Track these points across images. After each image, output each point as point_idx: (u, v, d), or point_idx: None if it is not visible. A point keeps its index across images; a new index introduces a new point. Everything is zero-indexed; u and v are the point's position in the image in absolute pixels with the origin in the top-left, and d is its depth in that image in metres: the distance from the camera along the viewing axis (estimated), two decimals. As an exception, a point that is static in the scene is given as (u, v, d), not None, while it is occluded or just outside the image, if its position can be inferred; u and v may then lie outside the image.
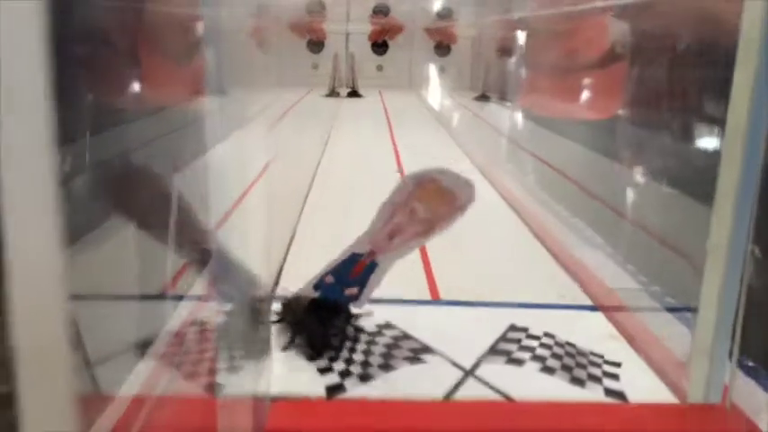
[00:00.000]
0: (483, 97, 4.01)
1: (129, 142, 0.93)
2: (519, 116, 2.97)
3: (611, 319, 0.91)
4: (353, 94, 4.24)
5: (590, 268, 1.09)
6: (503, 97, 3.71)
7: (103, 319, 0.73)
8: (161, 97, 1.18)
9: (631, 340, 0.84)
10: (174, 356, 0.76)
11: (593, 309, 0.95)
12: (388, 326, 0.85)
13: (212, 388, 0.69)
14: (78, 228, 0.42)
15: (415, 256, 1.04)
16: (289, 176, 1.65)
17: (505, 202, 1.55)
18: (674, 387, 0.74)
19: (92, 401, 0.67)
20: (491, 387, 0.72)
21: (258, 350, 0.72)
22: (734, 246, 0.66)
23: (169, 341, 0.77)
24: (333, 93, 4.19)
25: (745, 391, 0.72)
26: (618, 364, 0.78)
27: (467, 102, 3.95)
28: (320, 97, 4.03)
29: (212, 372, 0.70)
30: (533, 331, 0.85)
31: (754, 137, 0.64)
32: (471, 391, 0.71)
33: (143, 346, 0.76)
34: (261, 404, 0.67)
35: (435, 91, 4.63)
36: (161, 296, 0.87)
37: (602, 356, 0.79)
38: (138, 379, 0.73)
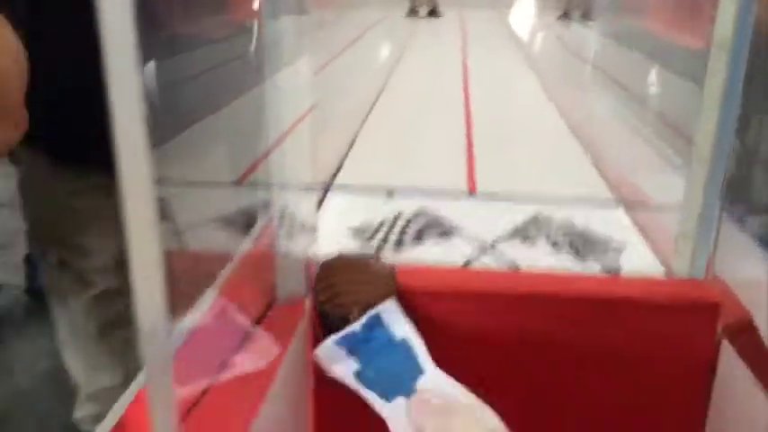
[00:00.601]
0: (564, 16, 3.97)
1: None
2: (599, 37, 2.94)
3: (630, 214, 1.01)
4: (432, 13, 4.28)
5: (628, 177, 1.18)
6: (585, 16, 3.66)
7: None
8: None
9: (642, 230, 0.95)
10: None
11: (616, 205, 1.06)
12: (424, 211, 0.98)
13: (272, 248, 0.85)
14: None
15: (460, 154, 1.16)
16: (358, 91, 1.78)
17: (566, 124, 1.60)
18: (667, 267, 0.85)
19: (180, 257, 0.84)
20: (504, 259, 0.85)
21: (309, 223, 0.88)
22: (719, 138, 0.76)
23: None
24: (413, 12, 4.24)
25: (734, 267, 0.82)
26: (622, 247, 0.89)
27: (550, 21, 3.92)
28: (399, 18, 4.09)
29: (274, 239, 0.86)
30: (553, 220, 0.97)
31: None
32: (487, 262, 0.85)
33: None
34: (310, 262, 0.83)
35: (518, 9, 4.59)
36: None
37: (610, 240, 0.91)
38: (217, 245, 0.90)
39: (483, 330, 0.75)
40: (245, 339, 0.74)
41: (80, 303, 1.10)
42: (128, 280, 0.40)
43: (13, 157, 1.09)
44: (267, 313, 0.82)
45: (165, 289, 0.41)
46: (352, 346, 0.67)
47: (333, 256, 0.76)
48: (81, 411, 1.20)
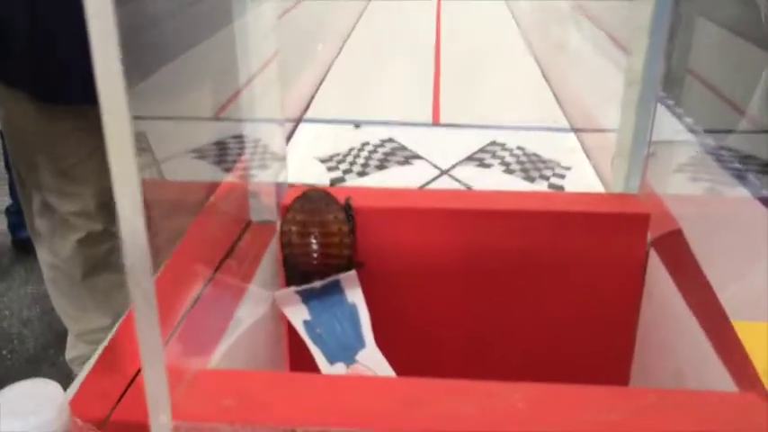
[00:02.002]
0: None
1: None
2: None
3: (580, 139, 1.10)
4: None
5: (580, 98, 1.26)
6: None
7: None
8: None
9: (589, 153, 1.03)
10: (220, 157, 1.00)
11: (569, 131, 1.14)
12: (390, 140, 1.07)
13: (245, 178, 0.93)
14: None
15: (427, 88, 1.23)
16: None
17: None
18: (606, 185, 0.94)
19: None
20: (459, 181, 0.94)
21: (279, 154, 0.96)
22: (649, 60, 0.84)
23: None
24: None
25: (664, 183, 0.91)
26: (568, 168, 0.98)
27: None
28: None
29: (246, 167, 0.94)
30: (509, 145, 1.05)
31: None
32: (443, 185, 0.93)
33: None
34: (280, 188, 0.91)
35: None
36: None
37: (558, 163, 1.00)
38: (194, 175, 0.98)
39: (435, 245, 0.84)
40: (223, 257, 0.82)
41: (66, 247, 1.14)
42: (112, 223, 0.43)
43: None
44: (243, 234, 0.90)
45: (146, 216, 0.43)
46: (308, 298, 0.76)
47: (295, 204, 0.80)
48: (72, 353, 1.25)
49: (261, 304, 0.81)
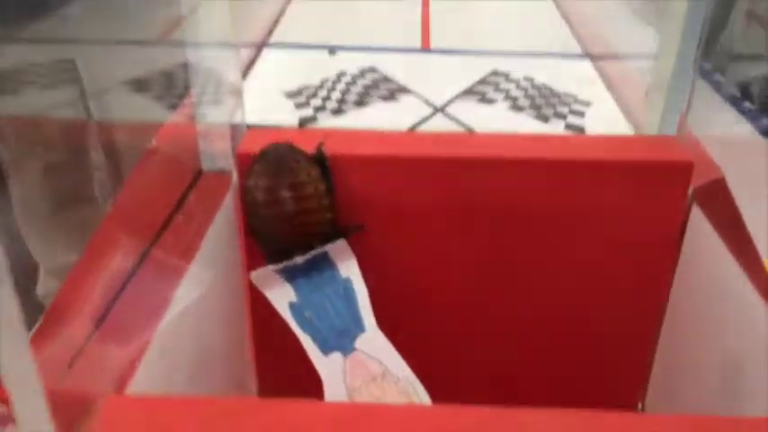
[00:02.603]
0: None
1: None
2: None
3: (598, 68, 0.93)
4: None
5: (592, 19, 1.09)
6: None
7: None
8: None
9: (610, 85, 0.87)
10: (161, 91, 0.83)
11: (583, 57, 0.97)
12: (371, 70, 0.89)
13: (193, 117, 0.76)
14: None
15: (415, 6, 1.05)
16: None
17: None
18: (636, 124, 0.78)
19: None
20: (457, 121, 0.77)
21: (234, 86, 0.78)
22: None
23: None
24: None
25: (707, 124, 0.75)
26: (587, 104, 0.81)
27: None
28: None
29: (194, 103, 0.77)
30: (514, 75, 0.88)
31: None
32: (437, 125, 0.76)
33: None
34: (236, 131, 0.74)
35: None
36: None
37: (574, 97, 0.83)
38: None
39: (429, 201, 0.69)
40: (167, 217, 0.67)
41: (32, 178, 1.06)
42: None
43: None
44: (192, 187, 0.74)
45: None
46: (292, 277, 0.63)
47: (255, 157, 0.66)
48: (42, 288, 1.18)
49: (214, 278, 0.65)
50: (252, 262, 0.71)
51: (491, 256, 0.72)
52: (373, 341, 0.61)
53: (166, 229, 0.65)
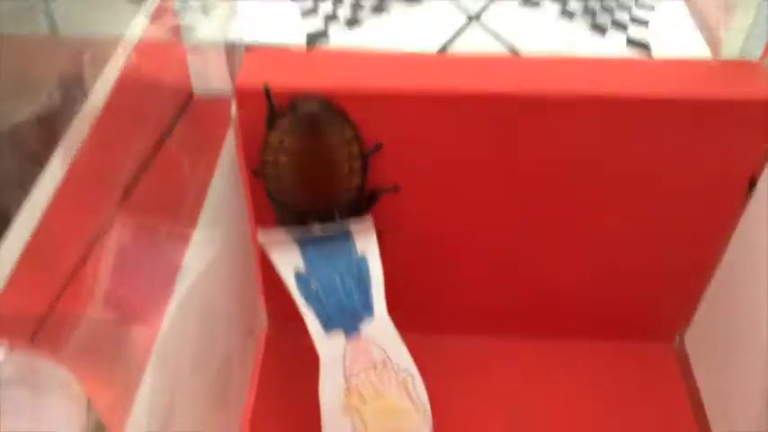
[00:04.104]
0: None
1: None
2: None
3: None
4: None
5: None
6: None
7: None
8: None
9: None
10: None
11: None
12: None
13: (179, 32, 0.64)
14: None
15: None
16: None
17: None
18: (712, 42, 0.65)
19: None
20: (496, 36, 0.65)
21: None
22: None
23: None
24: None
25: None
26: (650, 7, 0.69)
27: None
28: None
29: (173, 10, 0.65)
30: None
31: None
32: (472, 41, 0.65)
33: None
34: (233, 51, 0.63)
35: None
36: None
37: (639, 2, 0.70)
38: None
39: (458, 142, 0.59)
40: (152, 149, 0.58)
41: None
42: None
43: None
44: (182, 115, 0.65)
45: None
46: (303, 243, 0.57)
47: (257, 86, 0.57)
48: None
49: (222, 238, 0.58)
50: (258, 214, 0.63)
51: (526, 208, 0.64)
52: (380, 328, 0.58)
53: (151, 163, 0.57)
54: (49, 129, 0.69)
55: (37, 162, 0.52)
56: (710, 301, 0.69)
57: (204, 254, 0.54)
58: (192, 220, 0.54)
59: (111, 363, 0.44)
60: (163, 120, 0.58)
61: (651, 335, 0.74)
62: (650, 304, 0.71)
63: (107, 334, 0.45)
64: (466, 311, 0.72)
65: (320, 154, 0.54)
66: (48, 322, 0.44)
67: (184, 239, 0.53)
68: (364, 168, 0.56)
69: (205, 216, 0.55)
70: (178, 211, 0.54)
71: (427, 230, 0.64)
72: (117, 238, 0.49)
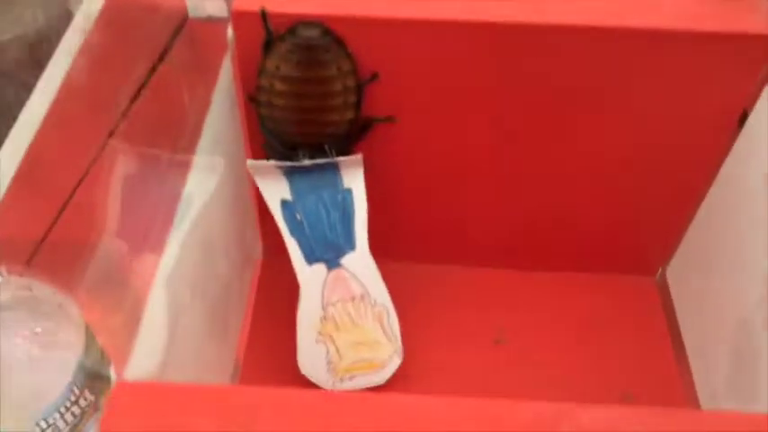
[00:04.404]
0: None
1: None
2: None
3: None
4: None
5: None
6: None
7: None
8: None
9: None
10: None
11: None
12: None
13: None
14: None
15: None
16: None
17: None
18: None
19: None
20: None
21: None
22: None
23: None
24: None
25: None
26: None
27: None
28: None
29: None
30: None
31: None
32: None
33: None
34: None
35: None
36: None
37: None
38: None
39: (455, 72, 0.59)
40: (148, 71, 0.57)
41: None
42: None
43: None
44: (175, 39, 0.63)
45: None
46: (290, 173, 0.58)
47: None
48: None
49: (218, 165, 0.58)
50: (255, 145, 0.63)
51: (520, 138, 0.64)
52: (360, 262, 0.59)
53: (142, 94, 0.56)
54: (35, 50, 0.67)
55: (24, 86, 0.51)
56: (693, 236, 0.70)
57: (205, 180, 0.54)
58: (191, 146, 0.53)
59: (115, 289, 0.45)
60: (157, 41, 0.57)
61: (634, 268, 0.75)
62: (634, 237, 0.73)
63: (110, 261, 0.45)
64: (452, 242, 0.73)
65: (315, 84, 0.54)
66: (44, 246, 0.44)
67: (185, 166, 0.53)
68: (358, 103, 0.56)
69: (204, 143, 0.54)
70: (177, 136, 0.54)
71: (417, 161, 0.65)
72: (116, 162, 0.49)
